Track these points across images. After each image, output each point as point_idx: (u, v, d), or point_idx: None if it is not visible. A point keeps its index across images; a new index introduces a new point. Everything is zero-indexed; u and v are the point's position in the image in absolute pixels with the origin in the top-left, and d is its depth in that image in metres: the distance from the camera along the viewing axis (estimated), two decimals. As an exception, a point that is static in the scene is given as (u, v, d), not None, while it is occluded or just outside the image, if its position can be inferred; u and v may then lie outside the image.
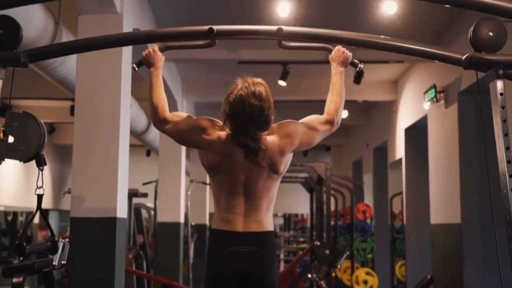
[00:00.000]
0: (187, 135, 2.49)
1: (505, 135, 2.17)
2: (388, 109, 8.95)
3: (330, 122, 2.60)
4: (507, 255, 2.15)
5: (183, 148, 8.13)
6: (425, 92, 6.80)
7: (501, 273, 2.19)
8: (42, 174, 2.23)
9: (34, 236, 11.04)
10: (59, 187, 13.04)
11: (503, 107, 2.19)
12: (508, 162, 2.17)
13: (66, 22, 4.60)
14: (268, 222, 2.47)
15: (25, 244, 2.25)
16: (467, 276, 5.72)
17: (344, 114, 9.01)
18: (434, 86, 6.48)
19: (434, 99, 6.51)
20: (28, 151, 2.21)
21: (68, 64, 4.84)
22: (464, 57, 2.26)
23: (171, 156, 7.96)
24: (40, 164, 2.24)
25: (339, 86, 2.64)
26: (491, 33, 2.23)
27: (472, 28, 2.25)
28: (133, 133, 7.98)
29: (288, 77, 6.87)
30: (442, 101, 6.42)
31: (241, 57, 6.58)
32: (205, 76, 8.29)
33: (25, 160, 2.24)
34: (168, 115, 2.52)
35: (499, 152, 2.20)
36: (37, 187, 2.22)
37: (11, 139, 2.20)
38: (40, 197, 2.27)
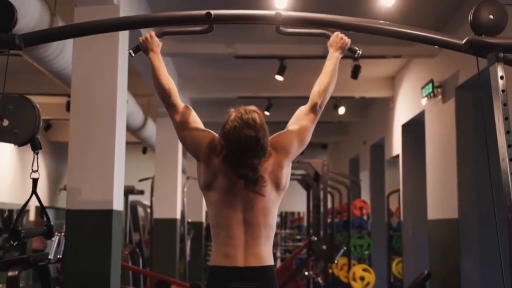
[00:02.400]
0: (189, 141, 2.44)
1: (506, 118, 2.15)
2: (385, 106, 8.94)
3: (313, 108, 2.54)
4: (506, 248, 2.13)
5: (180, 145, 8.11)
6: (422, 88, 6.79)
7: (502, 265, 2.17)
8: (37, 158, 2.20)
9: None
10: (55, 184, 12.98)
11: (503, 91, 2.17)
12: (509, 146, 2.15)
13: (62, 14, 4.56)
14: (268, 255, 2.39)
15: (20, 228, 2.22)
16: (465, 271, 5.71)
17: (341, 110, 8.99)
18: (432, 81, 6.47)
19: (432, 95, 6.49)
20: (23, 135, 2.18)
21: (65, 56, 4.81)
22: (464, 41, 2.25)
23: (168, 152, 7.95)
24: (35, 147, 2.21)
25: (329, 70, 2.60)
26: (491, 16, 2.22)
27: (472, 12, 2.24)
28: (130, 129, 7.95)
29: (285, 72, 6.85)
30: (440, 96, 6.40)
31: (238, 51, 6.55)
32: (202, 71, 8.27)
33: (20, 143, 2.20)
34: (179, 104, 2.46)
35: (499, 136, 2.18)
36: (32, 170, 2.19)
37: (5, 122, 2.17)
38: (35, 181, 2.24)
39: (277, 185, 2.41)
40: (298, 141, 2.51)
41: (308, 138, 2.57)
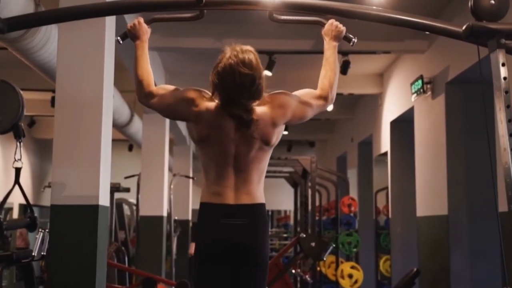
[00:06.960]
0: (175, 109, 2.43)
1: (508, 107, 2.09)
2: (374, 103, 8.90)
3: (324, 98, 2.52)
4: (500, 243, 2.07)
5: (167, 141, 8.02)
6: (412, 84, 6.74)
7: (504, 261, 2.12)
8: (20, 147, 2.11)
9: (13, 233, 10.81)
10: (39, 182, 12.78)
11: (505, 78, 2.11)
12: (510, 135, 2.09)
13: (47, 4, 4.45)
14: (260, 194, 2.39)
15: (1, 220, 2.12)
16: (455, 267, 5.68)
17: (329, 108, 8.93)
18: (421, 77, 6.42)
19: (421, 91, 6.44)
20: (5, 122, 2.09)
21: (49, 48, 4.69)
22: (464, 27, 2.18)
23: (154, 149, 7.85)
24: (19, 135, 2.12)
25: (332, 61, 2.56)
26: (492, 1, 2.15)
27: (473, -4, 2.17)
28: (116, 126, 7.83)
29: (274, 68, 6.77)
30: (429, 93, 6.36)
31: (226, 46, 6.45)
32: (189, 67, 8.16)
33: (2, 131, 2.11)
34: (154, 88, 2.45)
35: (500, 125, 2.12)
36: (15, 159, 2.10)
37: (-14, 109, 2.08)
38: (18, 171, 2.15)
39: (267, 143, 2.38)
40: (297, 109, 2.45)
41: (307, 115, 2.51)
